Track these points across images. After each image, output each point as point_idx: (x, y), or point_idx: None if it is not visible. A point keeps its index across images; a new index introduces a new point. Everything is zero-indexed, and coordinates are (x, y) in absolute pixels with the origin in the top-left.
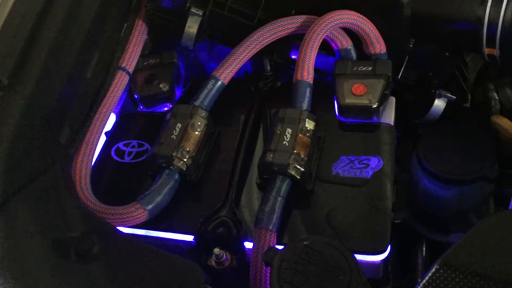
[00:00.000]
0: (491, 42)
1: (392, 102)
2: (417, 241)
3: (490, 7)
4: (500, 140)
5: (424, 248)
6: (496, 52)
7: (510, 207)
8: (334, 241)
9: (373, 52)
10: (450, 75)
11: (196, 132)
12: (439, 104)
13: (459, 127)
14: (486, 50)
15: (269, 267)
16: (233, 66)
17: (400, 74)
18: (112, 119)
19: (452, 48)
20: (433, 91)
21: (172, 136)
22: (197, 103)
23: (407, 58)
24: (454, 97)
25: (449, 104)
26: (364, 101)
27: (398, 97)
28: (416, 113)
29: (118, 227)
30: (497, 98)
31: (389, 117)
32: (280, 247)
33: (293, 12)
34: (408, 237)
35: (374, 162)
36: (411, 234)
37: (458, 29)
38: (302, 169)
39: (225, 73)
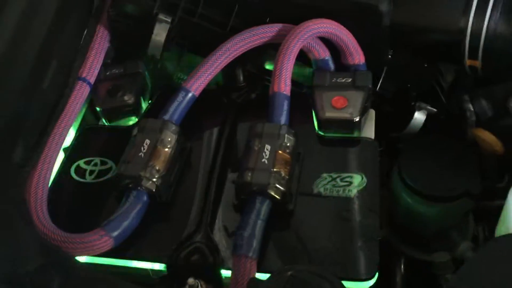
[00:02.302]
0: (473, 54)
1: (372, 115)
2: (395, 258)
3: (473, 18)
4: (480, 154)
5: (402, 266)
6: (478, 63)
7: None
8: (321, 270)
9: (351, 63)
10: (428, 87)
11: (166, 149)
12: (419, 117)
13: (441, 141)
14: (468, 62)
15: None
16: (204, 77)
17: (379, 86)
18: (71, 134)
19: (431, 59)
20: (412, 103)
21: (139, 154)
22: (166, 117)
23: (385, 69)
24: (435, 109)
25: (430, 117)
26: (345, 115)
27: (376, 109)
28: (395, 126)
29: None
30: (472, 109)
31: (369, 130)
32: (259, 274)
33: (267, 20)
34: (386, 253)
35: (357, 180)
36: (389, 251)
37: (440, 40)
38: (283, 189)
39: (196, 84)
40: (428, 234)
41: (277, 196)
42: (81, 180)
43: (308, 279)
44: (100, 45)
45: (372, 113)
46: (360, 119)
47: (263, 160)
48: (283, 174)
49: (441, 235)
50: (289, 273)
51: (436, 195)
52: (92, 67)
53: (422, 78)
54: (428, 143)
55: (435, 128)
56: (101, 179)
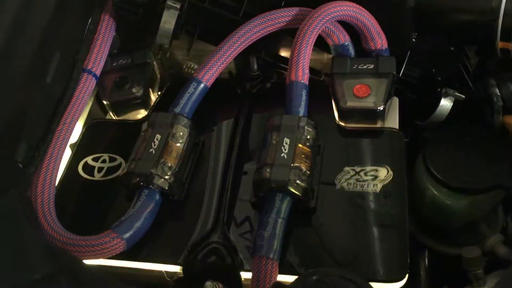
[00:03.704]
0: (506, 35)
1: (396, 104)
2: (419, 252)
3: None
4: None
5: (426, 260)
6: (511, 46)
7: None
8: (349, 273)
9: (373, 48)
10: (455, 72)
11: (178, 144)
12: (445, 104)
13: (469, 129)
14: (500, 44)
15: None
16: (217, 66)
17: (402, 71)
18: (77, 129)
19: (458, 41)
20: (438, 89)
21: (150, 150)
22: (177, 110)
23: (408, 54)
24: (463, 96)
25: (456, 103)
26: (368, 104)
27: (399, 97)
28: (420, 114)
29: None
30: (499, 94)
31: (393, 120)
32: (280, 277)
33: (283, 4)
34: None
35: (383, 173)
36: (413, 244)
37: (469, 21)
38: (304, 185)
39: (208, 75)
40: (455, 227)
41: (298, 193)
42: (90, 178)
43: (335, 284)
44: (105, 35)
45: (395, 101)
46: (384, 108)
47: (282, 154)
48: (303, 169)
49: (469, 228)
50: (315, 277)
51: (466, 187)
52: (97, 58)
53: (448, 63)
54: (455, 131)
55: (460, 115)
56: (110, 177)
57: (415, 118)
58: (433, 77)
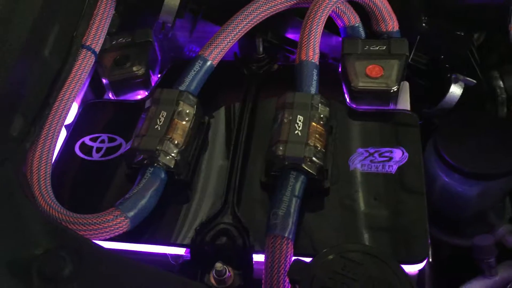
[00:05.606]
0: None
1: (406, 87)
2: None
3: None
4: None
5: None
6: None
7: None
8: (371, 248)
9: (384, 30)
10: (463, 59)
11: (184, 122)
12: (455, 90)
13: (480, 116)
14: None
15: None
16: (223, 45)
17: (410, 57)
18: (73, 109)
19: (469, 26)
20: (448, 75)
21: (156, 127)
22: (182, 87)
23: (418, 38)
24: (474, 81)
25: (464, 93)
26: (381, 85)
27: (409, 82)
28: (429, 100)
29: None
30: (502, 86)
31: (405, 103)
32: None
33: None
34: None
35: (398, 155)
36: None
37: (481, 4)
38: (320, 163)
39: (214, 53)
40: (465, 217)
41: (312, 172)
42: (88, 158)
43: (362, 261)
44: (105, 11)
45: (406, 84)
46: (397, 89)
47: (296, 132)
48: (319, 147)
49: (478, 218)
50: (336, 253)
51: (479, 172)
52: (97, 35)
53: (457, 49)
54: (466, 118)
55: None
56: (110, 157)
57: (424, 106)
58: (441, 63)
